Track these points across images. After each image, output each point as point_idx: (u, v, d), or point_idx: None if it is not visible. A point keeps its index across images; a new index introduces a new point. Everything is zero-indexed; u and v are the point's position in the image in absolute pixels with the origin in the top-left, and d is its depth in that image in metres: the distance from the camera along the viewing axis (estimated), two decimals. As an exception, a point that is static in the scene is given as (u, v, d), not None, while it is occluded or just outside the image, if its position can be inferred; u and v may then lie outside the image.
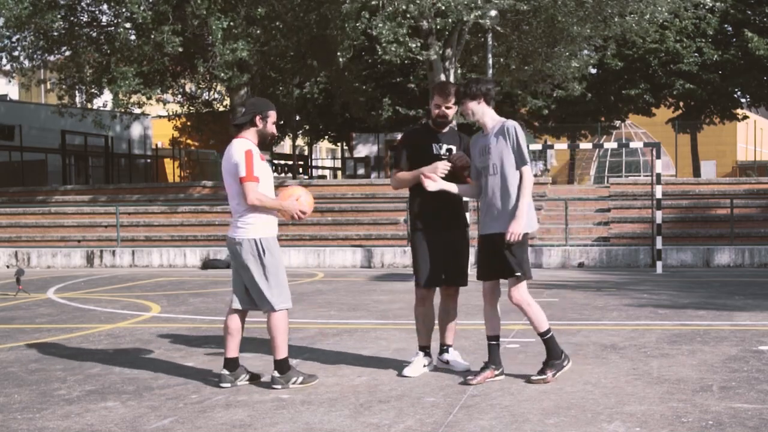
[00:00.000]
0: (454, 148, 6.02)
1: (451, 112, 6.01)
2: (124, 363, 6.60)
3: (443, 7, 18.70)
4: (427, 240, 5.96)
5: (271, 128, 5.80)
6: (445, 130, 6.11)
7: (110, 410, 5.07)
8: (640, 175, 40.46)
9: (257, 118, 5.70)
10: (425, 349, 6.10)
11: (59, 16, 21.07)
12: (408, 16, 19.14)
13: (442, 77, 22.54)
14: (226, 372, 5.71)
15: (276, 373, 5.62)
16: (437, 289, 6.11)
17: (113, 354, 7.04)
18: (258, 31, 20.74)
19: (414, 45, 19.46)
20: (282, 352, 5.63)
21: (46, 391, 5.61)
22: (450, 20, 19.17)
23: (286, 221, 5.92)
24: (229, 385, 5.67)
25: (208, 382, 5.82)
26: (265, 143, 5.88)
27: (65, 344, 7.59)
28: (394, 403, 5.12)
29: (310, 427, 4.64)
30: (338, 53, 19.73)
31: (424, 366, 6.05)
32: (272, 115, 5.79)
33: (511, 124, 5.61)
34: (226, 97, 29.28)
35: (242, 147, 5.61)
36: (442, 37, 21.21)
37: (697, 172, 34.93)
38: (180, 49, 20.03)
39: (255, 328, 8.41)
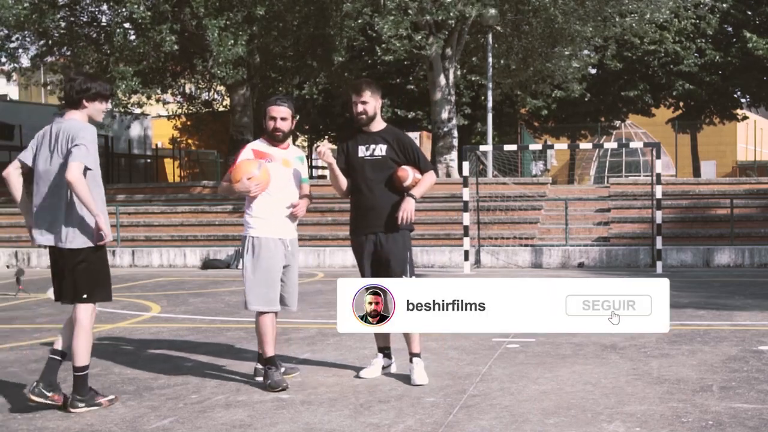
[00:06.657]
0: (382, 147, 5.65)
1: (368, 107, 5.64)
2: (124, 363, 6.59)
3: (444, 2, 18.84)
4: (355, 243, 5.83)
5: (270, 124, 5.67)
6: (376, 129, 5.71)
7: (110, 410, 5.07)
8: (640, 175, 40.37)
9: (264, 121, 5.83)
10: (382, 350, 6.05)
11: (59, 16, 21.05)
12: (410, 13, 19.23)
13: (442, 77, 22.58)
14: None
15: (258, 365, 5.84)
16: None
17: (113, 354, 7.04)
18: (255, 29, 20.73)
19: (419, 37, 19.54)
20: (268, 351, 5.61)
21: (46, 391, 5.59)
22: (451, 14, 19.24)
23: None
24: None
25: (207, 382, 5.81)
26: (276, 140, 5.70)
27: (65, 344, 7.57)
28: (394, 403, 5.12)
29: (310, 427, 4.64)
30: (334, 53, 19.78)
31: (384, 368, 5.99)
32: (269, 111, 5.68)
33: None
34: (226, 97, 29.23)
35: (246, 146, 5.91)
36: (443, 31, 21.26)
37: (697, 172, 34.92)
38: (176, 47, 20.01)
39: (253, 328, 8.40)
